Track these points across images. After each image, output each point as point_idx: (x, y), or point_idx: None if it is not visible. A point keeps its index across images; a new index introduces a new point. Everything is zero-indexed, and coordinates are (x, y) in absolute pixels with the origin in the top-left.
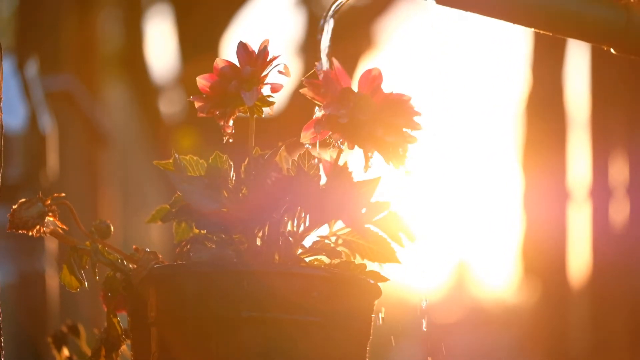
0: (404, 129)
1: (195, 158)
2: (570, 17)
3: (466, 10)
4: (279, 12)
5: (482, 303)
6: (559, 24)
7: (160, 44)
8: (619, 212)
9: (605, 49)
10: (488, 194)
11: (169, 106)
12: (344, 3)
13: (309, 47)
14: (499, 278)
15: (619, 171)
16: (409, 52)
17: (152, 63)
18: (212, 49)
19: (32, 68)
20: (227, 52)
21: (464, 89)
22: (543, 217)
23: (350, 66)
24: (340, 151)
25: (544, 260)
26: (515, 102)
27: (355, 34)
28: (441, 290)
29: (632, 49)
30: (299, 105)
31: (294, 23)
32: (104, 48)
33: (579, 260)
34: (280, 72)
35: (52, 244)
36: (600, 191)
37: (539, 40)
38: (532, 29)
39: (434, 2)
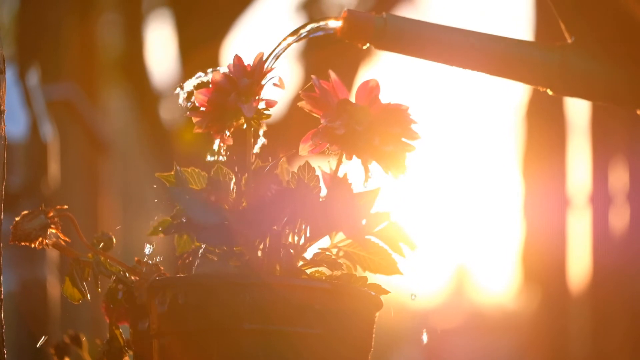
0: (402, 138)
1: (197, 170)
2: (507, 60)
3: (406, 54)
4: (279, 18)
5: (482, 309)
6: (496, 66)
7: (161, 50)
8: (619, 218)
9: (541, 90)
10: (488, 200)
11: (169, 113)
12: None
13: (309, 54)
14: (499, 284)
15: (619, 178)
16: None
17: (152, 70)
18: (213, 55)
19: (33, 77)
20: (228, 58)
21: (464, 95)
22: (543, 223)
23: (349, 73)
24: (339, 162)
25: (544, 266)
26: (516, 108)
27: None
28: (441, 295)
29: (567, 90)
30: (299, 113)
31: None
32: (104, 56)
33: (579, 266)
34: (275, 84)
35: (53, 253)
36: (601, 197)
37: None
38: (470, 71)
39: (374, 48)
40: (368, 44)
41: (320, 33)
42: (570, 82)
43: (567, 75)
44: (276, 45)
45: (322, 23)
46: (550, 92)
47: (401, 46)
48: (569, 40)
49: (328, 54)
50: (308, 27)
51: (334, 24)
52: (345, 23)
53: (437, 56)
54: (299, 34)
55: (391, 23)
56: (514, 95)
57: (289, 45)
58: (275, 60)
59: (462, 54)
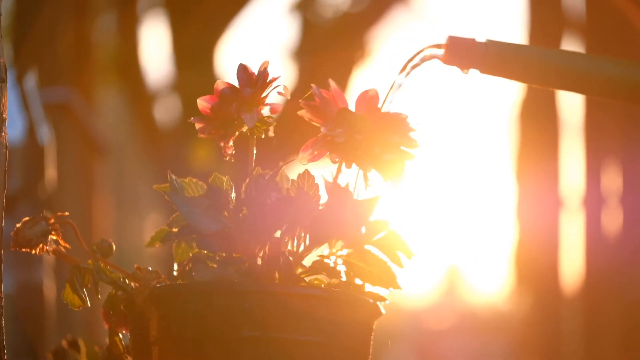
0: (401, 147)
1: (194, 180)
2: (612, 81)
3: (509, 79)
4: (273, 19)
5: (475, 309)
6: (600, 88)
7: (157, 52)
8: (612, 220)
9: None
10: (481, 201)
11: (166, 115)
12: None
13: (303, 53)
14: (491, 285)
15: (612, 179)
16: (402, 59)
17: (149, 72)
18: (208, 56)
19: (31, 81)
20: (223, 58)
21: (457, 96)
22: (536, 225)
23: (344, 75)
24: (339, 170)
25: (537, 268)
26: (509, 109)
27: (349, 41)
28: (433, 296)
29: None
30: (293, 116)
31: (288, 29)
32: (101, 59)
33: (572, 268)
34: (279, 93)
35: (50, 256)
36: (594, 199)
37: (531, 44)
38: (572, 93)
39: (478, 72)
40: (470, 69)
41: (423, 62)
42: None
43: None
44: (390, 86)
45: (426, 52)
46: None
47: (503, 71)
48: None
49: (321, 57)
50: (414, 61)
51: (437, 51)
52: (447, 49)
53: (540, 80)
54: (407, 71)
55: (492, 48)
56: (507, 95)
57: (400, 85)
58: (390, 103)
59: (566, 77)
